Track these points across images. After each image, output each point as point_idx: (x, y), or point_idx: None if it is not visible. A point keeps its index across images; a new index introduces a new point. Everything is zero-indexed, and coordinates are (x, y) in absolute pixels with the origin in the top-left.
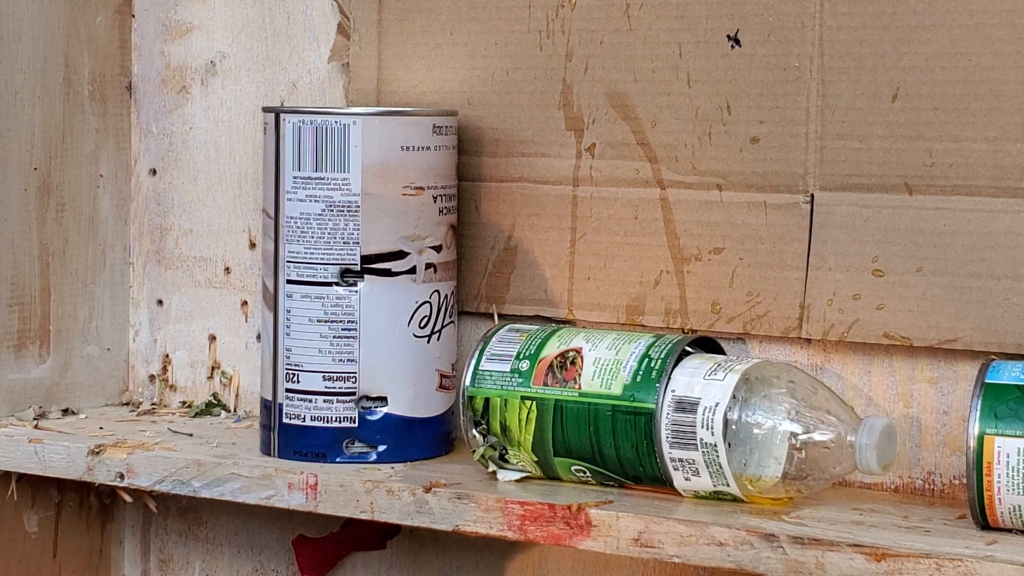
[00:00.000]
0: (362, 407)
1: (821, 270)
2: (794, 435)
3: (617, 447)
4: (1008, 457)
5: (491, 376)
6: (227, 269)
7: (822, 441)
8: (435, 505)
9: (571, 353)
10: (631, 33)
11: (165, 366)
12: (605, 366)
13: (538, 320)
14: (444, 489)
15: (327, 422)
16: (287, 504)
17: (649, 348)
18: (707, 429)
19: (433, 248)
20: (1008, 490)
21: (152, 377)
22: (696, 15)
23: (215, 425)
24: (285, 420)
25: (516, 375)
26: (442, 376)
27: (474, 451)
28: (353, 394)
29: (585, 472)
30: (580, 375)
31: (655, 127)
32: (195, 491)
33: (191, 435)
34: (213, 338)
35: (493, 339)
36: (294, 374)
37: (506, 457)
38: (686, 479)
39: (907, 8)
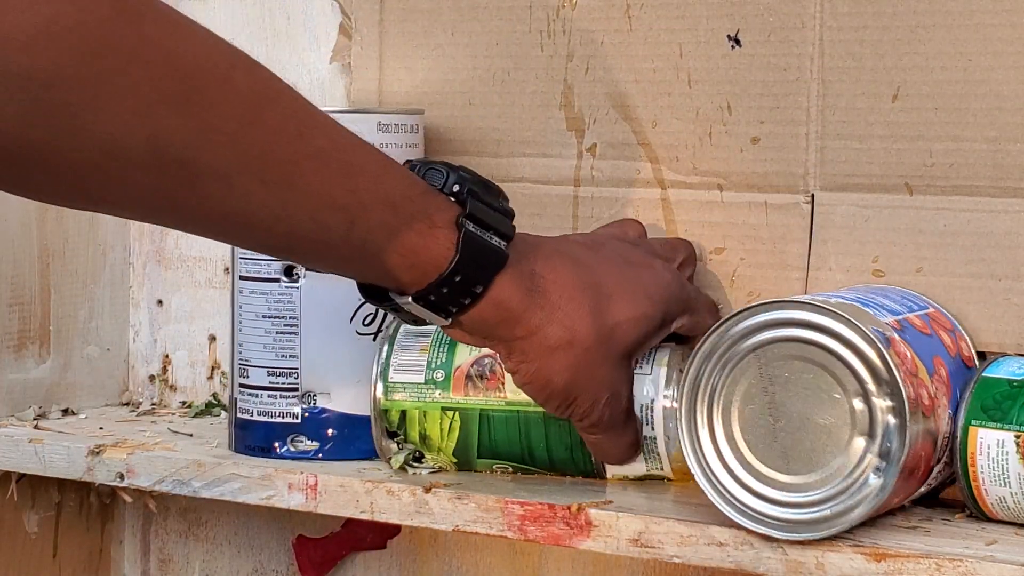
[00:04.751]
0: (304, 403)
1: (822, 270)
2: None
3: (549, 450)
4: (989, 448)
5: (405, 387)
6: (227, 269)
7: None
8: (435, 505)
9: (487, 360)
10: (632, 33)
11: (165, 366)
12: None
13: None
14: (444, 489)
15: (271, 417)
16: (287, 504)
17: None
18: (648, 425)
19: None
20: (991, 481)
21: (152, 377)
22: (697, 15)
23: (215, 425)
24: (238, 415)
25: (433, 385)
26: None
27: (389, 459)
28: (296, 390)
29: (508, 468)
30: (503, 383)
31: (656, 127)
32: (195, 491)
33: (191, 435)
34: (213, 338)
35: (395, 349)
36: (244, 369)
37: (422, 460)
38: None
39: (907, 8)
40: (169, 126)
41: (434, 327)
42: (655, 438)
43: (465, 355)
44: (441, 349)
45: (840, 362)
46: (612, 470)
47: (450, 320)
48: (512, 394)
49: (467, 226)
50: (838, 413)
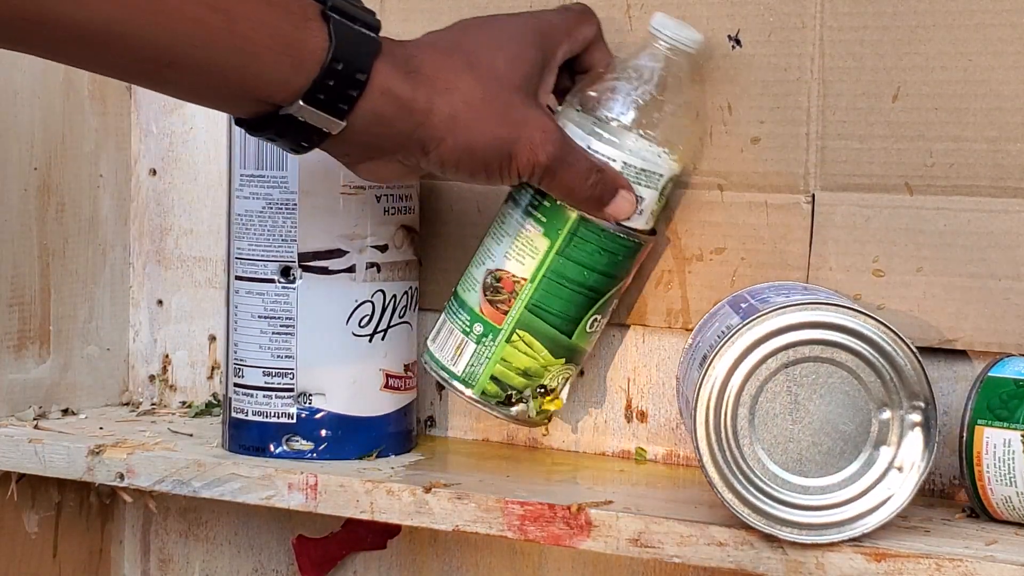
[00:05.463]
0: (300, 403)
1: (822, 270)
2: (638, 101)
3: (591, 267)
4: (995, 448)
5: (473, 365)
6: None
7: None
8: (435, 505)
9: (487, 277)
10: (632, 34)
11: (165, 366)
12: (517, 247)
13: None
14: (444, 489)
15: (266, 417)
16: (287, 504)
17: (518, 200)
18: (609, 151)
19: (377, 248)
20: (997, 481)
21: (152, 377)
22: (697, 15)
23: (215, 425)
24: (232, 414)
25: (485, 338)
26: (388, 376)
27: (529, 419)
28: (291, 390)
29: (596, 319)
30: (513, 274)
31: None
32: (195, 491)
33: (191, 435)
34: (213, 338)
35: (435, 353)
36: (240, 369)
37: (547, 387)
38: (639, 214)
39: (907, 8)
40: None
41: (442, 315)
42: (610, 158)
43: (473, 294)
44: (459, 313)
45: (872, 370)
46: (636, 222)
47: (344, 121)
48: (524, 271)
49: (334, 16)
50: (861, 421)
